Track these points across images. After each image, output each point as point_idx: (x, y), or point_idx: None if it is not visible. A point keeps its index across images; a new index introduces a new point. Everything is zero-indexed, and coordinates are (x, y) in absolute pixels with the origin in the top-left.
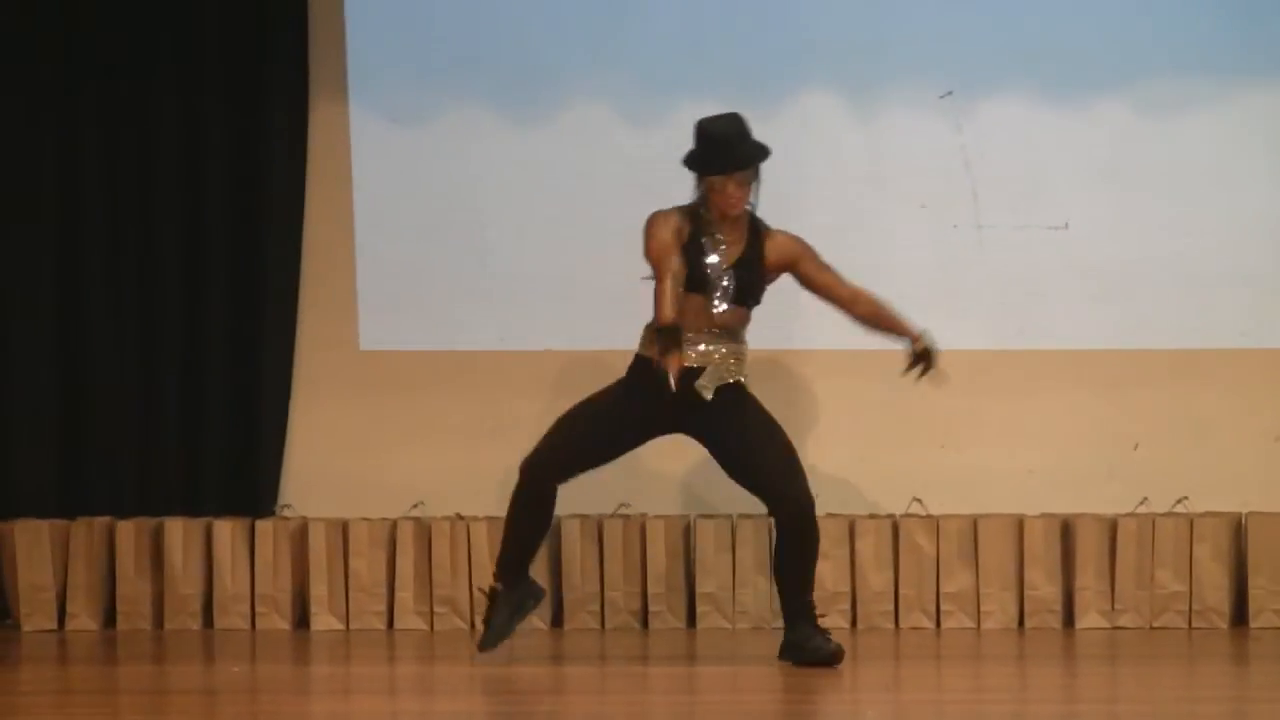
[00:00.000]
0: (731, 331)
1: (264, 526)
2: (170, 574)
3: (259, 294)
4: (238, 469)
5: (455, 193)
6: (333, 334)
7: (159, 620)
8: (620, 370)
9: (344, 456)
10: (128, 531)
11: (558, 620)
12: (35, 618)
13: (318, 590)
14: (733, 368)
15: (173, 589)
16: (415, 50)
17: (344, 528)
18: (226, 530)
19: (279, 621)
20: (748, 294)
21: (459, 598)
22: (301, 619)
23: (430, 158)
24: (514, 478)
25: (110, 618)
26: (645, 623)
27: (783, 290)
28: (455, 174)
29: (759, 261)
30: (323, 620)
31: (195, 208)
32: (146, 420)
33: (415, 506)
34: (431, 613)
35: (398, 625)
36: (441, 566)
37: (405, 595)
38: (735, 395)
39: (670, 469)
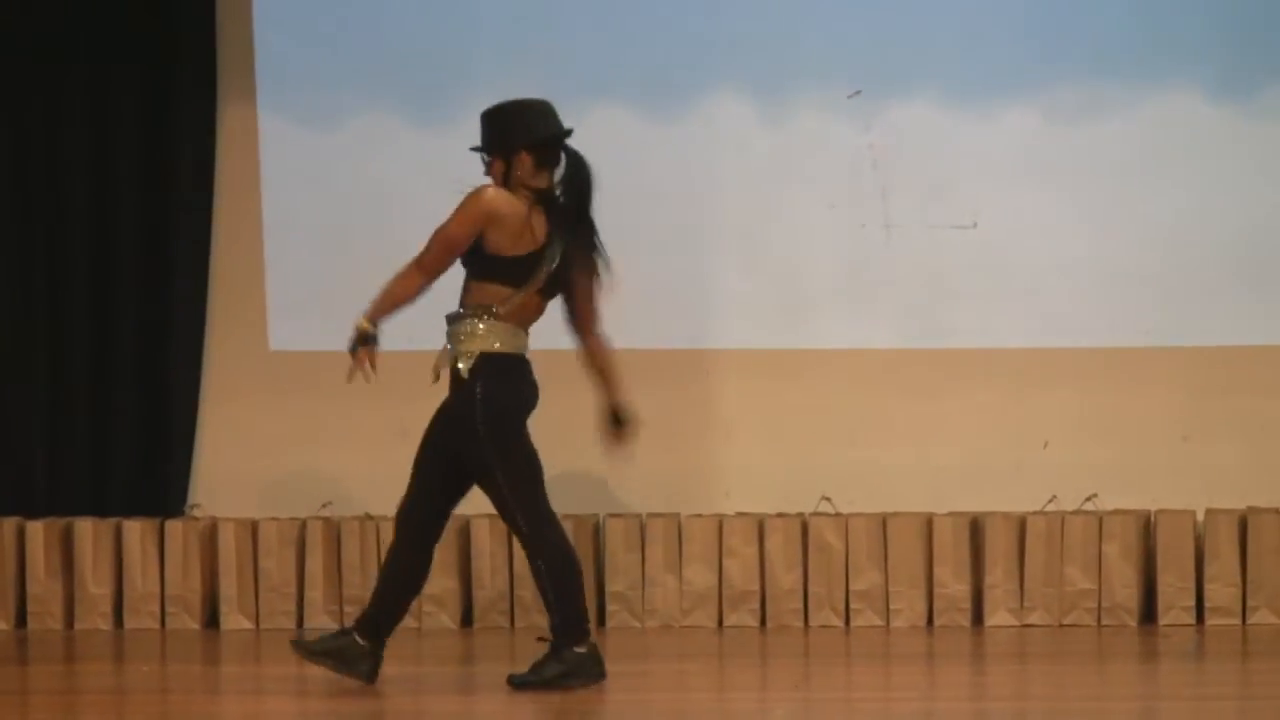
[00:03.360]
0: (462, 302)
1: (174, 526)
2: (80, 574)
3: (168, 294)
4: (147, 469)
5: (363, 195)
6: (242, 335)
7: (70, 620)
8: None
9: (253, 457)
10: (37, 532)
11: (468, 620)
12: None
13: (228, 590)
14: (451, 348)
15: (83, 589)
16: (324, 53)
17: (254, 527)
18: (136, 530)
19: (189, 621)
20: (468, 263)
21: (368, 597)
22: (212, 619)
23: (338, 160)
24: None
25: (21, 618)
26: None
27: (694, 288)
28: (363, 176)
29: None
30: (233, 620)
31: (103, 207)
32: (56, 420)
33: (324, 506)
34: (342, 612)
35: (308, 624)
36: (351, 566)
37: (315, 594)
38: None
39: (578, 467)
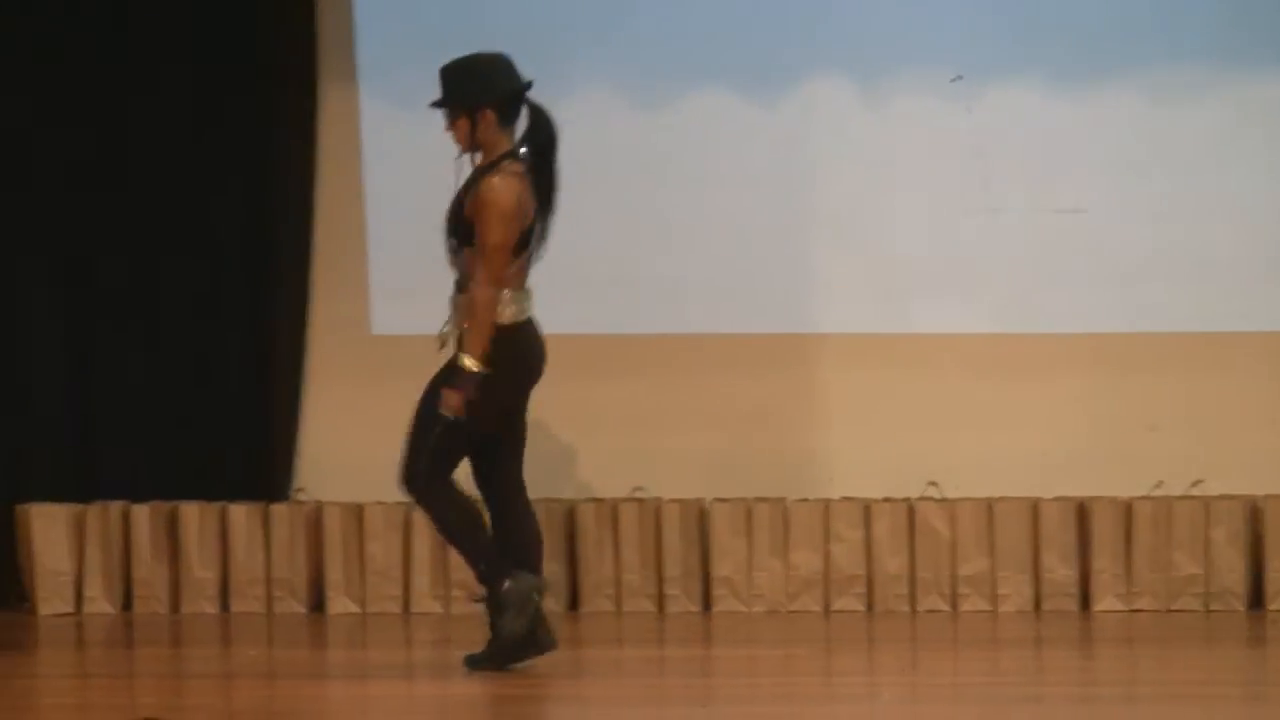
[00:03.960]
0: (464, 276)
1: (279, 510)
2: (186, 558)
3: (272, 279)
4: (252, 453)
5: (463, 178)
6: (345, 318)
7: (175, 604)
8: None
9: (358, 440)
10: (143, 515)
11: (574, 604)
12: (52, 601)
13: (333, 574)
14: (454, 320)
15: (188, 573)
16: (424, 34)
17: (359, 511)
18: (242, 514)
19: (295, 605)
20: (454, 234)
21: (473, 581)
22: (317, 603)
23: (440, 142)
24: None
25: (127, 601)
26: (661, 606)
27: (797, 273)
28: (463, 159)
29: (461, 204)
30: (339, 604)
31: (206, 193)
32: (162, 405)
33: None
34: (448, 596)
35: (414, 609)
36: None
37: (421, 579)
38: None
39: (685, 451)
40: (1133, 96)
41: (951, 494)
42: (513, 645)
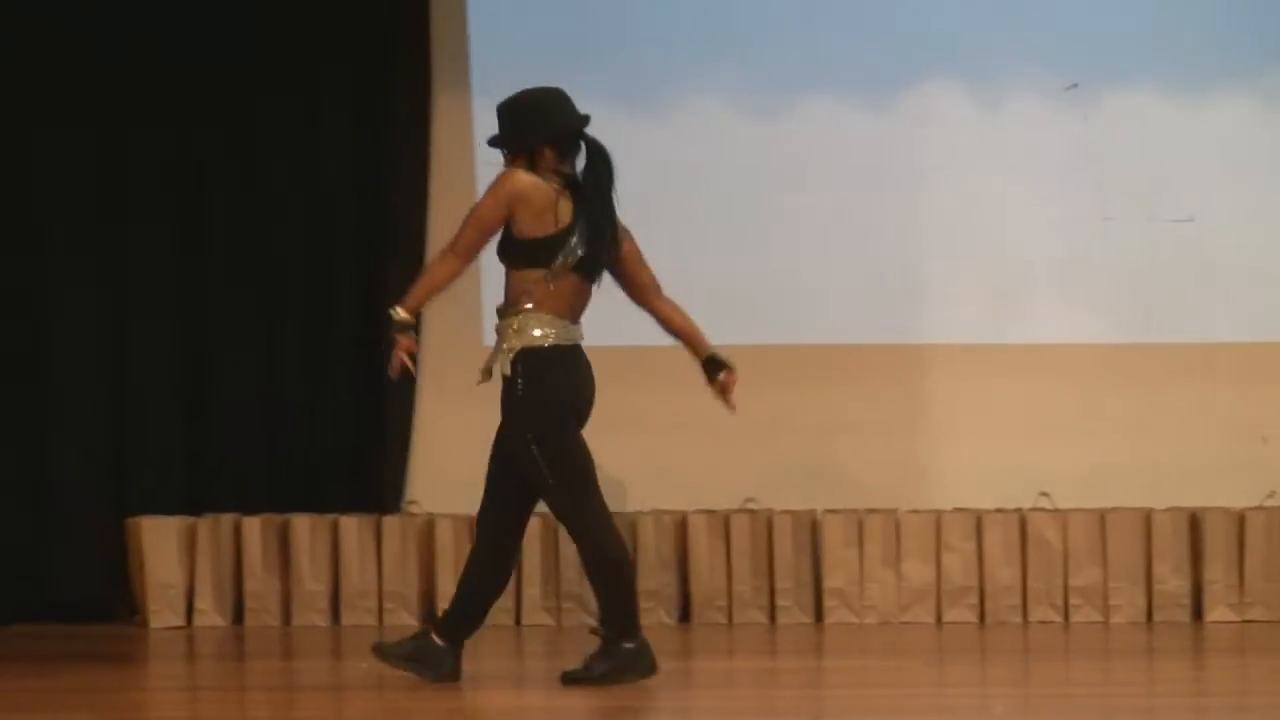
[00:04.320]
0: (504, 299)
1: (391, 523)
2: (297, 570)
3: (384, 290)
4: (364, 466)
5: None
6: (457, 330)
7: (286, 616)
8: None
9: (470, 452)
10: (254, 528)
11: (685, 616)
12: (163, 614)
13: (445, 586)
14: (503, 349)
15: (300, 585)
16: (537, 39)
17: (471, 524)
18: (353, 527)
19: (407, 617)
20: (499, 253)
21: (585, 593)
22: (429, 615)
23: None
24: (638, 472)
25: (237, 614)
26: (772, 618)
27: (908, 282)
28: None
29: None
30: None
31: (319, 203)
32: (272, 417)
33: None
34: (559, 609)
35: (525, 621)
36: (567, 562)
37: (532, 591)
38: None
39: (797, 462)
40: (1245, 103)
41: (1063, 504)
42: (588, 682)
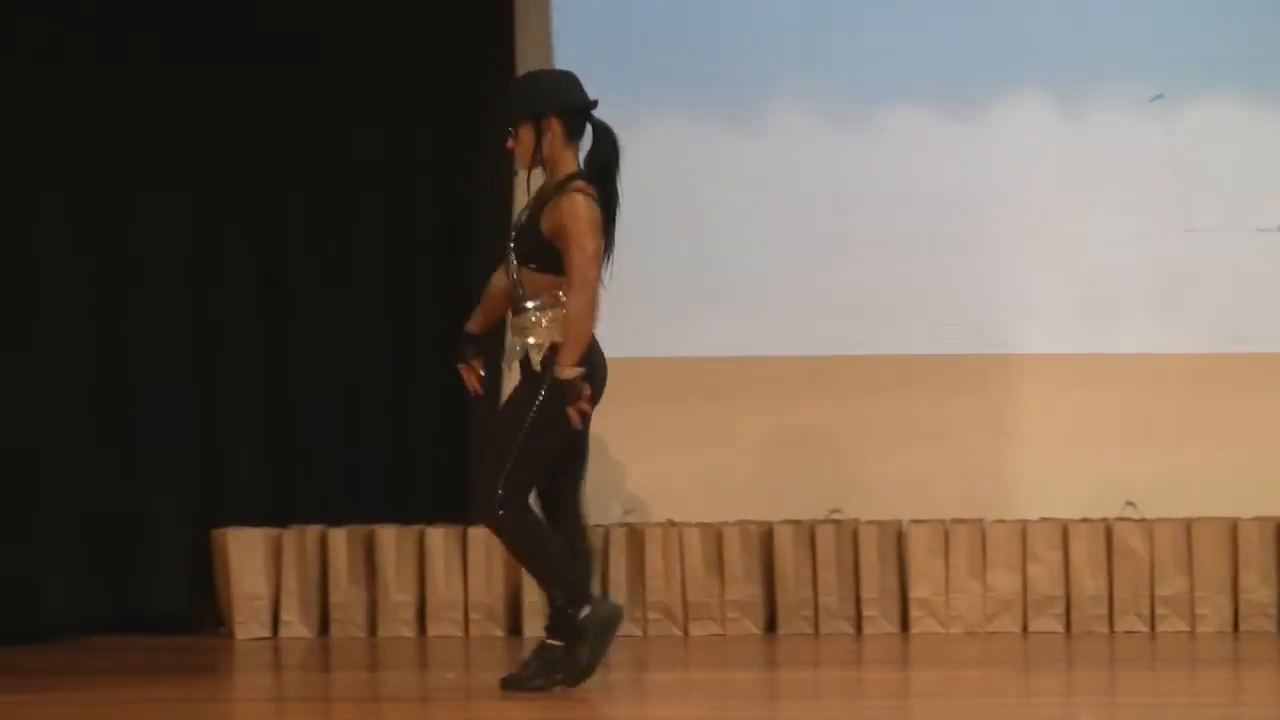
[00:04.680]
0: (527, 295)
1: (476, 533)
2: (383, 581)
3: (471, 301)
4: (449, 476)
5: (660, 197)
6: None
7: (372, 627)
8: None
9: None
10: (340, 539)
11: (771, 626)
12: (249, 625)
13: (531, 597)
14: (519, 341)
15: (385, 596)
16: (622, 51)
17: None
18: (439, 537)
19: (493, 628)
20: (522, 254)
21: (672, 604)
22: (514, 626)
23: (635, 161)
24: (725, 483)
25: (323, 625)
26: (858, 628)
27: (994, 292)
28: (660, 178)
29: (536, 223)
30: (536, 627)
31: (404, 214)
32: (357, 427)
33: (627, 513)
34: (645, 619)
35: None
36: (654, 572)
37: (619, 601)
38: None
39: (882, 472)
40: None
41: (1149, 514)
42: (587, 673)
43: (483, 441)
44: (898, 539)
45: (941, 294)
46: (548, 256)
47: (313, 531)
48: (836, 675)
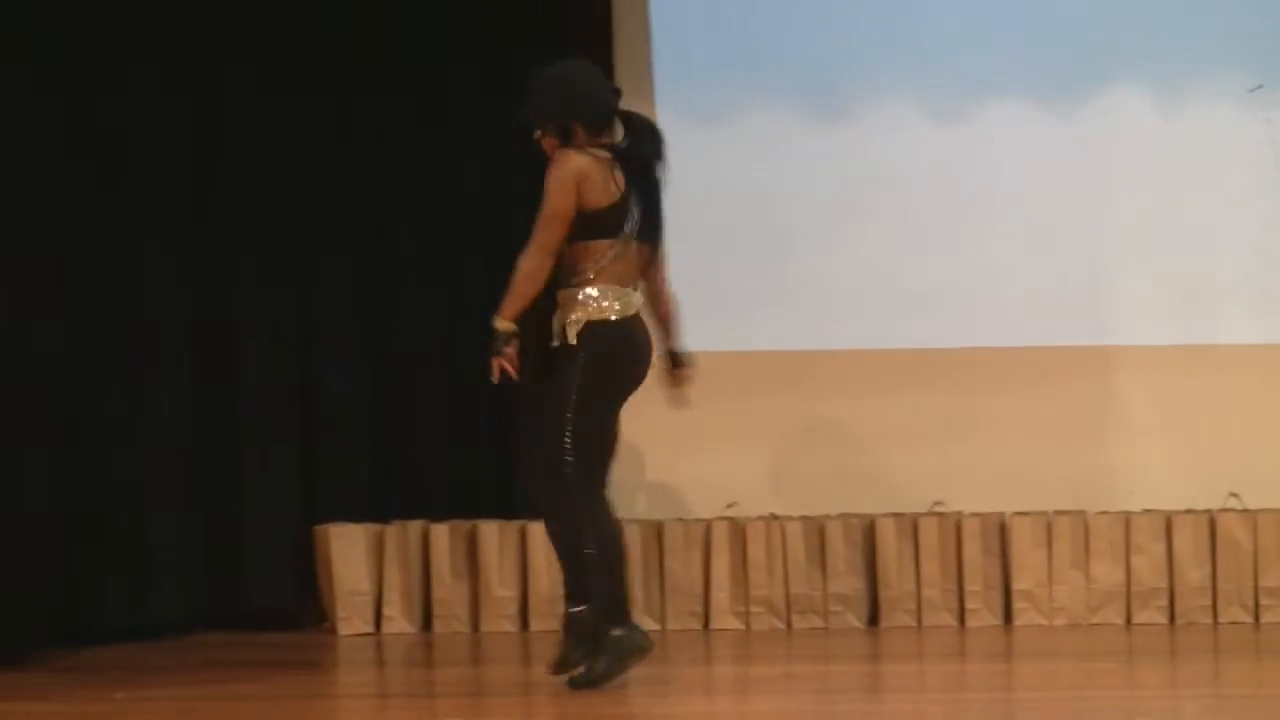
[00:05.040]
0: (568, 271)
1: None
2: (485, 576)
3: None
4: None
5: (759, 192)
6: None
7: (475, 622)
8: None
9: (657, 458)
10: (442, 534)
11: (874, 619)
12: (352, 621)
13: (633, 591)
14: (560, 319)
15: (488, 591)
16: (719, 48)
17: (659, 529)
18: (541, 533)
19: None
20: None
21: (775, 598)
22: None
23: (730, 157)
24: (827, 476)
25: (426, 620)
26: (961, 620)
27: (1095, 284)
28: (759, 173)
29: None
30: (639, 621)
31: (502, 208)
32: (460, 422)
33: (729, 507)
34: (748, 613)
35: (713, 625)
36: (757, 566)
37: (721, 596)
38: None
39: (985, 464)
40: None
41: (1253, 505)
42: (593, 685)
43: (534, 424)
44: (1000, 531)
45: (1043, 286)
46: (578, 224)
47: (415, 527)
48: (939, 668)
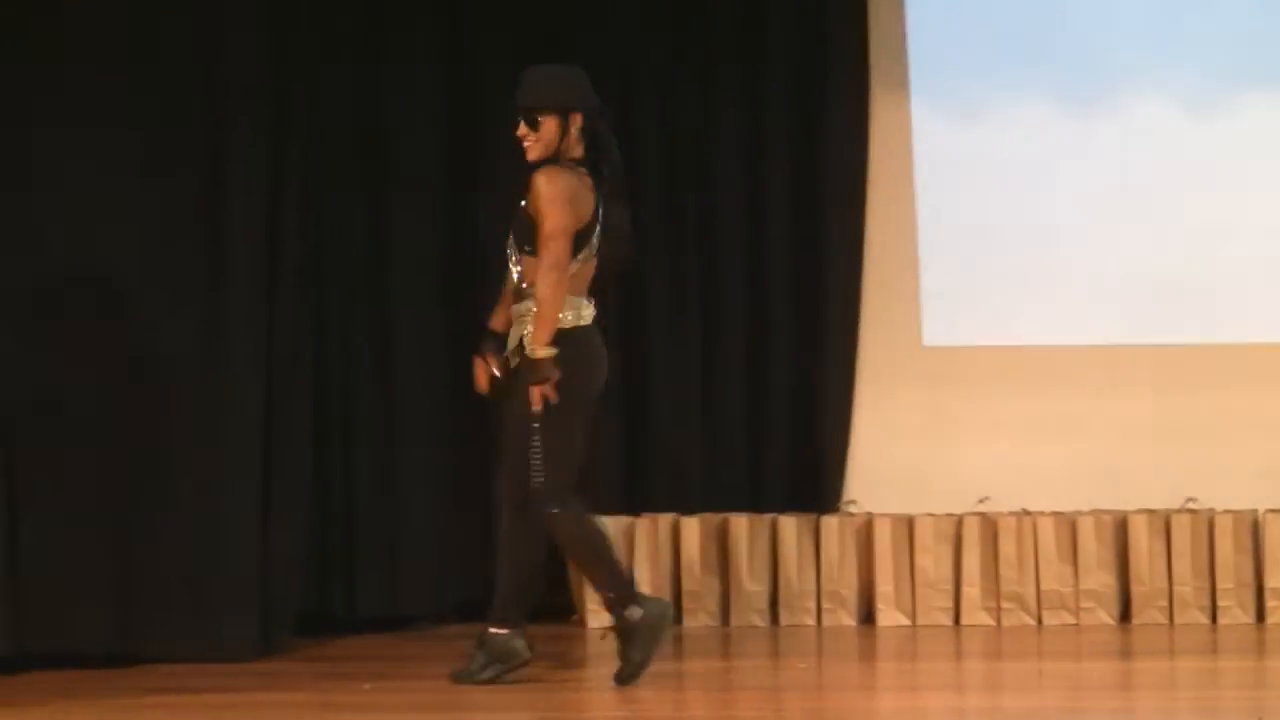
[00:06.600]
0: (528, 282)
1: (829, 523)
2: (736, 570)
3: (821, 290)
4: (802, 465)
5: (1017, 187)
6: (896, 329)
7: (725, 616)
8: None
9: (908, 452)
10: (693, 527)
11: (1125, 616)
12: (601, 614)
13: (883, 587)
14: (519, 331)
15: (738, 585)
16: (977, 44)
17: (909, 524)
18: (792, 526)
19: (845, 618)
20: (518, 241)
21: (1026, 594)
22: (867, 615)
23: (990, 151)
24: (1080, 472)
25: (677, 614)
26: (1214, 618)
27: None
28: (1017, 168)
29: (526, 206)
30: (889, 616)
31: (756, 205)
32: (711, 416)
33: (981, 502)
34: (999, 609)
35: (964, 621)
36: (1008, 562)
37: (972, 591)
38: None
39: (1239, 461)
40: None
41: None
42: (636, 673)
43: (505, 440)
44: (1254, 528)
45: (1244, 283)
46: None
47: (666, 520)
48: (1192, 665)
